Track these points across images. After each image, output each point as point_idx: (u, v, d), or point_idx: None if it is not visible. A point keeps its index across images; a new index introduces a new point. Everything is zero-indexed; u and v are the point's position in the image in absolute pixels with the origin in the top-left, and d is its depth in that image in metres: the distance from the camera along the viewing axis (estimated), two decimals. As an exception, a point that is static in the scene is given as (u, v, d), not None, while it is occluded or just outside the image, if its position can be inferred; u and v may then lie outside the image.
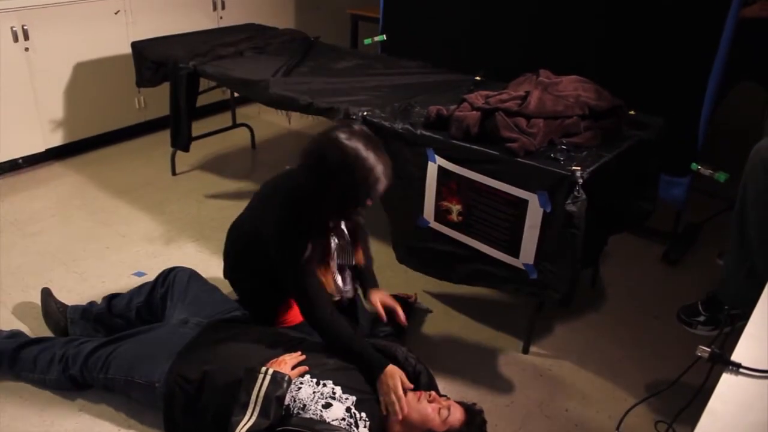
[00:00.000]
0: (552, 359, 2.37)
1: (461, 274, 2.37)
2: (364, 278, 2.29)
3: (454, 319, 2.56)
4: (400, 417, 1.78)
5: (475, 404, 1.82)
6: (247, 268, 2.23)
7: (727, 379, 1.01)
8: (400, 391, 1.82)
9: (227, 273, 2.32)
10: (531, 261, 2.12)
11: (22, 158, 3.69)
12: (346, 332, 1.97)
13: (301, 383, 1.81)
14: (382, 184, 1.86)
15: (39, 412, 2.08)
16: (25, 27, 3.42)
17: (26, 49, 3.47)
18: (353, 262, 2.19)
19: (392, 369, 1.88)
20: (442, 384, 2.18)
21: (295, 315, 2.21)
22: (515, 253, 2.15)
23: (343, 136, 1.82)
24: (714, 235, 3.07)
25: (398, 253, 2.54)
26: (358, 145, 1.81)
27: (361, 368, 1.91)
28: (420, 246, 2.42)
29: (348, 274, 2.21)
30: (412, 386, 1.86)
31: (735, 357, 1.05)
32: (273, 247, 1.99)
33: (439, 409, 1.75)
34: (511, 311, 2.59)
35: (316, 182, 1.86)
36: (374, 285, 2.29)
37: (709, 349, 1.13)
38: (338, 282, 2.15)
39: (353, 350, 1.94)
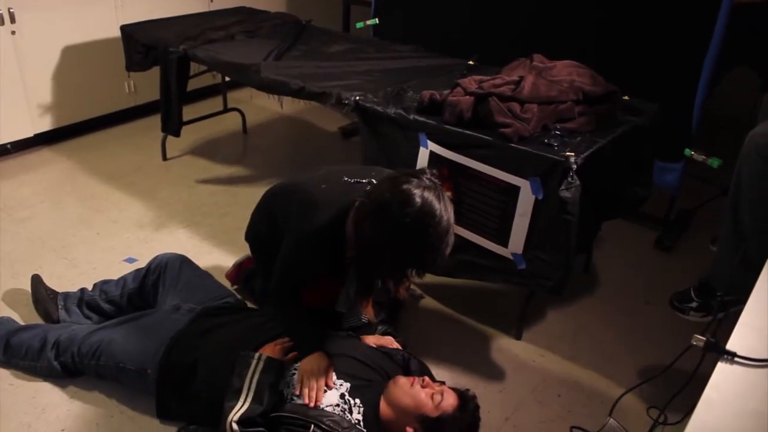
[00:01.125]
0: (544, 345, 2.37)
1: (444, 267, 2.35)
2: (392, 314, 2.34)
3: (447, 306, 2.56)
4: (310, 404, 1.72)
5: (468, 390, 1.82)
6: (265, 241, 2.16)
7: (722, 369, 1.01)
8: (322, 383, 1.77)
9: (249, 236, 2.27)
10: (519, 251, 2.11)
11: (11, 143, 3.65)
12: (295, 313, 1.96)
13: (296, 369, 1.81)
14: (447, 251, 1.71)
15: (30, 399, 2.07)
16: (11, 10, 3.36)
17: (13, 33, 3.42)
18: (360, 316, 2.14)
19: (319, 356, 1.84)
20: (434, 371, 2.18)
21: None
22: (504, 242, 2.14)
23: (416, 192, 1.64)
24: (707, 221, 3.08)
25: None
26: (434, 203, 1.64)
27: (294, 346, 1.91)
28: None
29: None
30: (332, 386, 1.79)
31: (730, 346, 1.05)
32: (285, 246, 1.94)
33: (432, 394, 1.75)
34: (504, 298, 2.59)
35: (380, 236, 1.69)
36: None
37: (704, 338, 1.13)
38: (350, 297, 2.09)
39: (291, 328, 1.95)
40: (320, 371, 1.80)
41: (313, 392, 1.75)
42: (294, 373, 1.80)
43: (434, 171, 1.76)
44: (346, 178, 1.97)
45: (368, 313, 2.13)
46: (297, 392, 1.76)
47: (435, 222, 1.64)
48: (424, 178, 1.69)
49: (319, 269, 1.96)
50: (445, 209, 1.66)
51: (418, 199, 1.63)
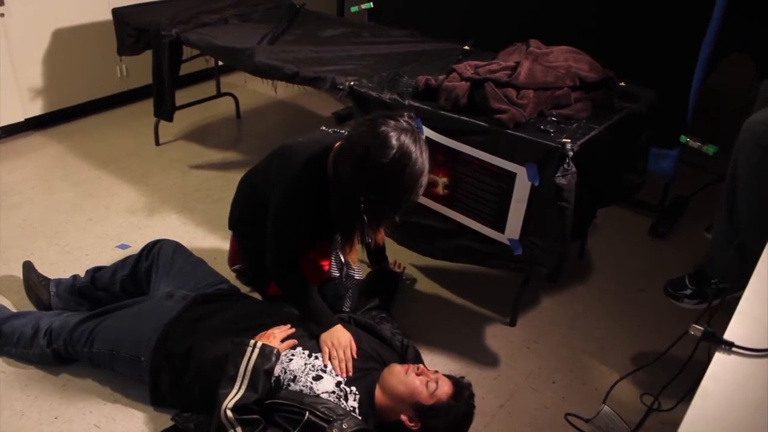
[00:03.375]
0: (539, 332, 2.37)
1: (444, 250, 2.35)
2: (379, 253, 2.41)
3: (441, 293, 2.55)
4: (343, 375, 1.80)
5: (463, 377, 1.82)
6: (251, 220, 2.18)
7: (719, 358, 1.01)
8: (348, 353, 1.85)
9: (232, 224, 2.31)
10: (516, 236, 2.10)
11: (1, 128, 3.60)
12: (302, 287, 1.99)
13: (293, 354, 1.81)
14: (421, 192, 1.78)
15: (22, 387, 2.06)
16: (0, -8, 3.32)
17: (1, 15, 3.37)
18: (371, 240, 2.08)
19: (340, 329, 1.91)
20: (428, 357, 2.18)
21: None
22: (500, 228, 2.13)
23: (393, 135, 1.68)
24: (702, 208, 3.08)
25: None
26: (410, 146, 1.69)
27: (311, 324, 1.95)
28: (404, 220, 2.39)
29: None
30: (357, 356, 1.87)
31: (727, 335, 1.04)
32: (273, 202, 1.96)
33: (427, 382, 1.74)
34: (498, 284, 2.58)
35: (359, 178, 1.75)
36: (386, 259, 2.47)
37: (701, 328, 1.12)
38: (341, 258, 2.09)
39: (304, 305, 1.99)
40: (345, 343, 1.88)
41: (343, 363, 1.83)
42: (292, 358, 1.80)
43: (412, 114, 1.81)
44: (324, 128, 2.04)
45: (353, 261, 2.09)
46: (325, 364, 1.82)
47: (411, 164, 1.69)
48: (402, 121, 1.73)
49: (311, 214, 1.94)
50: (420, 152, 1.71)
51: (395, 142, 1.68)
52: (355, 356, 1.87)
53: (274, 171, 2.03)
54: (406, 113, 1.79)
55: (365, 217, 1.86)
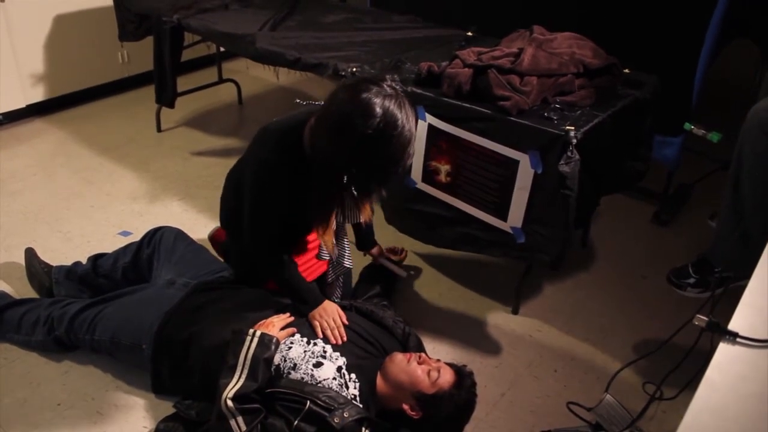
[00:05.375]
0: (541, 320, 2.37)
1: (447, 238, 2.34)
2: (366, 237, 2.33)
3: (443, 281, 2.55)
4: (337, 342, 1.83)
5: (465, 366, 1.81)
6: (240, 216, 1.99)
7: (724, 349, 1.00)
8: (338, 320, 1.89)
9: (223, 222, 2.19)
10: (519, 224, 2.09)
11: (3, 114, 3.60)
12: (283, 269, 1.95)
13: (292, 342, 1.81)
14: (409, 162, 1.67)
15: (25, 374, 2.06)
16: (1, -23, 3.30)
17: (2, 1, 3.35)
18: (359, 220, 2.02)
19: (326, 302, 1.93)
20: (430, 345, 2.18)
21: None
22: (503, 216, 2.12)
23: (376, 102, 1.56)
24: (705, 195, 3.06)
25: (386, 214, 2.51)
26: (395, 113, 1.57)
27: (296, 304, 1.95)
28: (407, 207, 2.39)
29: (346, 242, 2.15)
30: (347, 322, 1.91)
31: (732, 326, 1.03)
32: (246, 184, 1.84)
33: (429, 370, 1.74)
34: (500, 272, 2.58)
35: (340, 151, 1.62)
36: (374, 244, 2.35)
37: (706, 318, 1.11)
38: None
39: (288, 287, 1.97)
40: (332, 311, 1.90)
41: (335, 330, 1.85)
42: (291, 346, 1.79)
43: (395, 77, 1.68)
44: (297, 100, 1.92)
45: (329, 242, 1.94)
46: (319, 336, 1.84)
47: (397, 132, 1.57)
48: (385, 86, 1.60)
49: (285, 195, 1.81)
50: (407, 118, 1.59)
51: (379, 109, 1.55)
52: (345, 322, 1.89)
53: (250, 157, 1.89)
54: (388, 76, 1.65)
55: (350, 193, 1.76)
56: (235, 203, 2.00)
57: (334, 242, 2.02)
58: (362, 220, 2.02)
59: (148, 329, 1.92)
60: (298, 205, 1.84)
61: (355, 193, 1.80)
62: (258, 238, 1.92)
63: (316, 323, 1.88)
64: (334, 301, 2.02)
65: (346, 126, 1.58)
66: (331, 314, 1.89)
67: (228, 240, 2.21)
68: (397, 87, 1.64)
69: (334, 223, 1.94)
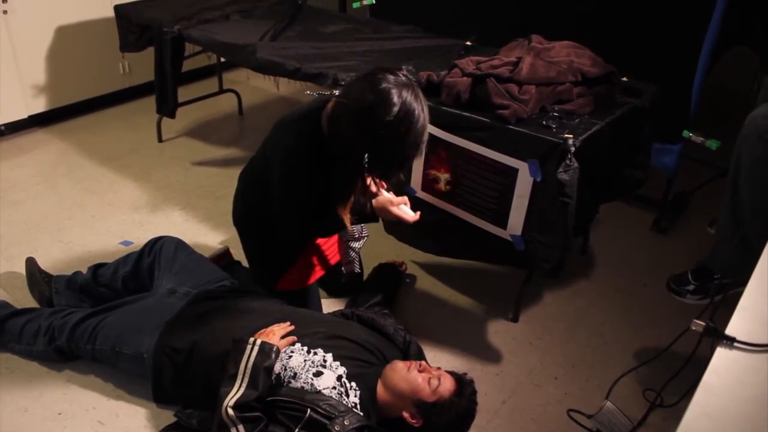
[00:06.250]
0: (541, 327, 2.37)
1: (447, 247, 2.35)
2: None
3: (443, 289, 2.55)
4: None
5: (465, 374, 1.81)
6: (257, 212, 2.14)
7: (721, 354, 1.00)
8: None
9: (236, 220, 2.26)
10: (518, 232, 2.10)
11: (4, 125, 3.62)
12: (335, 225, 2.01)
13: (292, 351, 1.81)
14: (423, 148, 1.81)
15: (26, 383, 2.06)
16: (3, -11, 3.32)
17: (5, 12, 3.37)
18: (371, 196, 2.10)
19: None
20: (431, 353, 2.18)
21: (297, 276, 2.21)
22: (503, 224, 2.13)
23: (395, 92, 1.68)
24: (704, 203, 3.07)
25: (386, 223, 2.51)
26: (413, 102, 1.69)
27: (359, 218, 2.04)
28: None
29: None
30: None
31: (729, 330, 1.04)
32: (275, 175, 1.94)
33: (429, 378, 1.74)
34: (500, 280, 2.58)
35: (361, 138, 1.74)
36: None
37: (703, 323, 1.12)
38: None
39: (335, 226, 2.03)
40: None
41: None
42: (292, 355, 1.79)
43: (410, 67, 1.82)
44: (308, 92, 2.07)
45: (347, 218, 2.03)
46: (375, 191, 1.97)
47: (414, 121, 1.70)
48: (401, 75, 1.72)
49: (315, 176, 1.90)
50: (422, 108, 1.72)
51: (396, 99, 1.67)
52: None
53: (270, 149, 1.99)
54: (404, 66, 1.77)
55: (368, 174, 1.87)
56: (249, 200, 2.15)
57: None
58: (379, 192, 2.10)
59: (149, 338, 1.92)
60: (320, 186, 1.92)
61: (375, 175, 1.90)
62: (291, 220, 2.00)
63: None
64: (356, 272, 2.28)
65: (367, 115, 1.69)
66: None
67: (242, 239, 2.27)
68: (412, 77, 1.76)
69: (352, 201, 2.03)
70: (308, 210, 1.97)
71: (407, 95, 1.69)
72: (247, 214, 2.20)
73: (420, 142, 1.75)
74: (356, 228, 2.22)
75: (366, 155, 1.74)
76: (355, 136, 1.74)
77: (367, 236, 2.32)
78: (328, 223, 2.02)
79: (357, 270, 2.31)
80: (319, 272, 2.26)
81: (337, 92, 1.83)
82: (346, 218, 2.01)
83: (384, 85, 1.68)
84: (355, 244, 2.28)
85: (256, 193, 2.10)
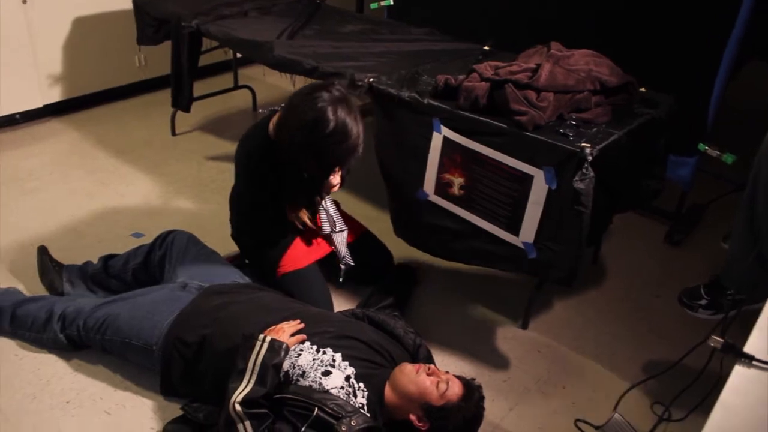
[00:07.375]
0: (551, 336, 2.36)
1: (458, 252, 2.33)
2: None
3: (453, 294, 2.54)
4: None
5: (473, 379, 1.81)
6: (245, 223, 2.39)
7: (739, 371, 0.99)
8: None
9: (234, 234, 2.45)
10: (531, 239, 2.09)
11: (20, 114, 3.63)
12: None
13: (301, 350, 1.81)
14: (359, 152, 2.04)
15: (35, 370, 2.07)
16: (23, -21, 3.34)
17: (24, 2, 3.39)
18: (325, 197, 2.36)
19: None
20: (439, 358, 2.18)
21: (293, 258, 2.33)
22: (515, 231, 2.12)
23: (330, 109, 1.92)
24: (718, 217, 3.05)
25: (396, 227, 2.50)
26: (346, 117, 1.94)
27: None
28: (417, 220, 2.39)
29: (328, 204, 2.38)
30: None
31: (747, 348, 1.03)
32: (236, 177, 2.28)
33: (438, 382, 1.74)
34: (511, 286, 2.57)
35: (300, 150, 2.00)
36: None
37: (721, 340, 1.11)
38: (330, 213, 2.35)
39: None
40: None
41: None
42: (301, 353, 1.79)
43: (343, 81, 2.14)
44: (260, 110, 2.48)
45: (303, 217, 2.30)
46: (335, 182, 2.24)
47: (349, 131, 1.96)
48: (334, 91, 1.97)
49: (267, 177, 2.16)
50: (354, 122, 1.97)
51: (332, 116, 1.92)
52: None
53: (235, 163, 2.28)
54: (336, 81, 2.10)
55: (312, 177, 2.17)
56: (238, 217, 2.43)
57: (326, 208, 2.36)
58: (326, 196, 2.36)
59: (160, 331, 1.93)
60: (274, 185, 2.20)
61: (315, 177, 2.21)
62: (257, 219, 2.31)
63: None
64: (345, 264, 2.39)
65: (310, 129, 1.94)
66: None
67: (242, 253, 2.49)
68: (344, 91, 2.03)
69: (306, 201, 2.31)
70: (268, 208, 2.25)
71: (341, 112, 1.94)
72: (240, 230, 2.45)
73: (355, 150, 2.01)
74: (328, 219, 2.36)
75: (305, 162, 2.06)
76: (295, 148, 2.01)
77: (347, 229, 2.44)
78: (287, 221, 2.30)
79: (350, 263, 2.39)
80: (316, 251, 2.38)
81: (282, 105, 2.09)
82: (295, 217, 2.28)
83: (321, 104, 1.93)
84: (337, 237, 2.38)
85: (240, 212, 2.40)
